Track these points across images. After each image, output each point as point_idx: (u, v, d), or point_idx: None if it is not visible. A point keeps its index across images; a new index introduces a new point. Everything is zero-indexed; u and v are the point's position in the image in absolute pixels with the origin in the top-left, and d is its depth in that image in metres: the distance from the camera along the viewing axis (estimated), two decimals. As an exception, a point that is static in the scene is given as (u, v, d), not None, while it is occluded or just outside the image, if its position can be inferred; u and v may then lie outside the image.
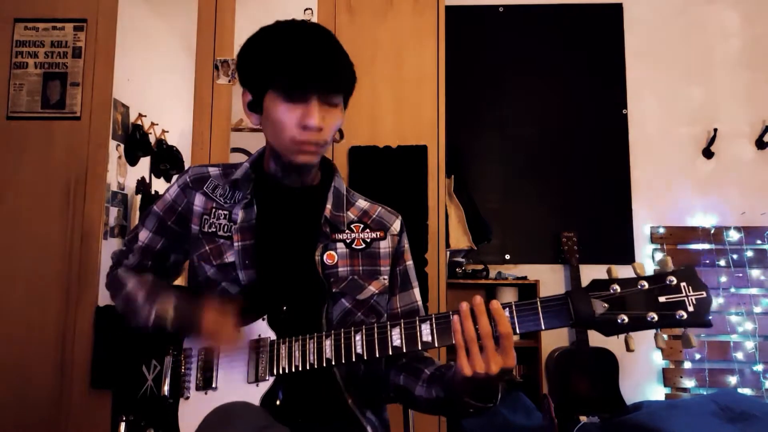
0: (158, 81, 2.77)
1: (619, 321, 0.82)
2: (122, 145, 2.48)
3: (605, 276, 0.87)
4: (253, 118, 1.09)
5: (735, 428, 2.22)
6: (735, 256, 2.98)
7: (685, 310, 0.80)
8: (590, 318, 0.83)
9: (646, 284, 0.82)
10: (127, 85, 2.44)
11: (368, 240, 1.15)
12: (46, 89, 2.31)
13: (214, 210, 1.14)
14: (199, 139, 2.34)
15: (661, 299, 0.81)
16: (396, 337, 0.94)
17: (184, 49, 2.46)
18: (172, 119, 2.75)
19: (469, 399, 0.93)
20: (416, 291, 1.21)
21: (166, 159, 2.74)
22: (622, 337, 0.84)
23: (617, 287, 0.83)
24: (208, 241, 1.13)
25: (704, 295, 0.80)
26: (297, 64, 0.99)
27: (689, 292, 0.81)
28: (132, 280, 1.15)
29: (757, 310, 2.94)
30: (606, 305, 0.83)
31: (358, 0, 2.38)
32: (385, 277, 1.15)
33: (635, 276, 0.84)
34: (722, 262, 2.98)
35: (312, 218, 1.13)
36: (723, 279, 2.96)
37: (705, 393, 2.88)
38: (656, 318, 0.81)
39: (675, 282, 0.81)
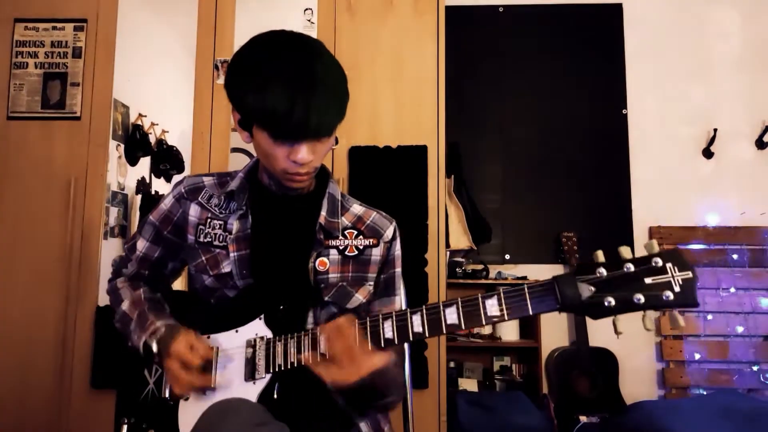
0: (158, 81, 2.77)
1: (606, 304, 0.82)
2: (122, 145, 2.48)
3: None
4: (244, 136, 1.06)
5: (735, 428, 2.23)
6: (735, 256, 2.98)
7: (672, 290, 0.79)
8: (577, 301, 0.83)
9: (632, 266, 0.82)
10: (127, 85, 2.44)
11: (361, 247, 1.15)
12: (46, 89, 2.31)
13: (209, 220, 1.15)
14: (199, 139, 2.34)
15: (648, 281, 0.81)
16: (388, 329, 0.94)
17: (184, 49, 2.46)
18: (172, 119, 2.75)
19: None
20: (398, 299, 1.20)
21: (166, 159, 2.73)
22: (610, 321, 0.84)
23: (603, 270, 0.83)
24: (204, 251, 1.14)
25: (690, 275, 0.79)
26: (282, 118, 0.94)
27: (675, 272, 0.80)
28: (127, 300, 1.18)
29: (757, 310, 2.94)
30: (593, 288, 0.83)
31: (358, 0, 2.38)
32: (371, 283, 1.15)
33: (621, 259, 0.84)
34: (722, 262, 2.98)
35: (307, 226, 1.13)
36: (723, 279, 2.96)
37: (705, 393, 2.88)
38: (643, 299, 0.80)
39: (661, 263, 0.81)
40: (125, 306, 1.17)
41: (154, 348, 1.06)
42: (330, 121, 0.99)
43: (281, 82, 0.94)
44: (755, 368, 2.90)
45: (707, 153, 3.13)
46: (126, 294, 1.20)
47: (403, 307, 1.19)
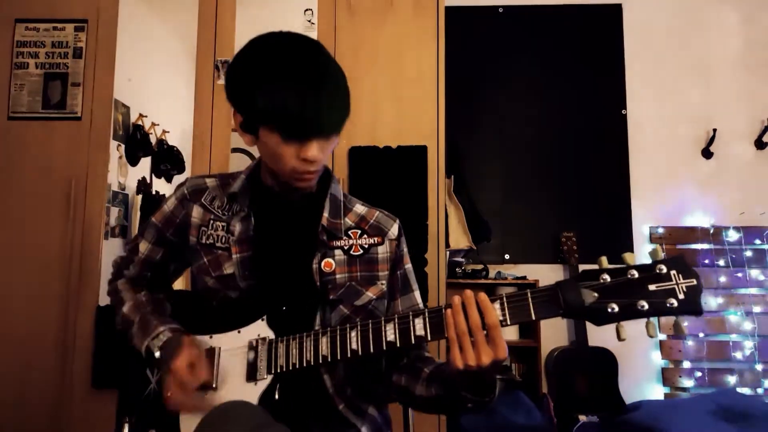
0: (159, 81, 2.77)
1: (609, 310, 0.82)
2: (123, 145, 2.49)
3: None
4: (246, 139, 1.04)
5: (734, 428, 2.23)
6: (734, 256, 2.98)
7: (676, 297, 0.79)
8: (580, 307, 0.83)
9: (636, 273, 0.82)
10: (128, 86, 2.44)
11: (366, 246, 1.14)
12: (47, 89, 2.31)
13: (211, 221, 1.15)
14: (200, 139, 2.34)
15: (652, 287, 0.81)
16: (390, 332, 0.94)
17: (185, 50, 2.47)
18: (172, 119, 2.76)
19: (466, 393, 0.93)
20: (417, 294, 1.20)
21: (166, 159, 2.74)
22: (613, 326, 0.84)
23: (607, 277, 0.83)
24: (206, 252, 1.13)
25: (694, 282, 0.79)
26: (294, 116, 0.94)
27: (679, 279, 0.80)
28: (128, 302, 1.18)
29: (757, 310, 2.94)
30: (596, 294, 0.83)
31: (358, 0, 2.38)
32: (383, 282, 1.15)
33: (625, 265, 0.84)
34: (721, 262, 2.98)
35: (309, 227, 1.12)
36: (722, 279, 2.96)
37: (704, 393, 2.88)
38: (646, 306, 0.80)
39: (665, 270, 0.81)
40: (126, 308, 1.17)
41: (157, 355, 1.06)
42: (339, 118, 1.00)
43: (291, 81, 0.94)
44: (755, 368, 2.91)
45: (707, 153, 3.13)
46: (127, 296, 1.20)
47: (419, 301, 1.20)
